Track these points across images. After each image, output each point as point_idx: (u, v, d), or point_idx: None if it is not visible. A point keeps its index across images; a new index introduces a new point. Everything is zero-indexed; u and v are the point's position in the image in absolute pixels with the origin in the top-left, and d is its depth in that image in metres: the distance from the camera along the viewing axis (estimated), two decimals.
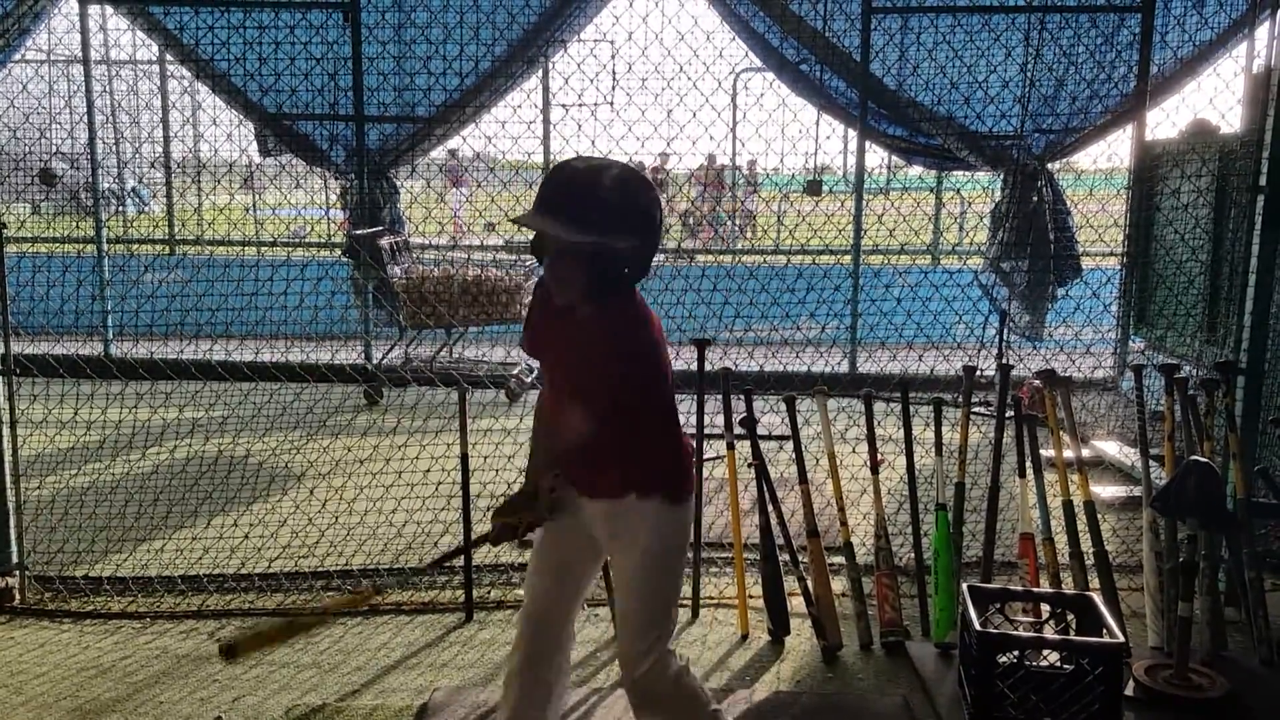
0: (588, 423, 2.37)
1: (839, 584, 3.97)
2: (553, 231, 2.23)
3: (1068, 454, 3.88)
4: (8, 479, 4.01)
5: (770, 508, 3.81)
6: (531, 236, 2.34)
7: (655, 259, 2.39)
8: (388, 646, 3.73)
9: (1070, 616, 3.26)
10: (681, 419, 2.57)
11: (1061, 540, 3.80)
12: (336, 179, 7.90)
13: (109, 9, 8.24)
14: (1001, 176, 7.35)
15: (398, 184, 7.88)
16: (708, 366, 4.06)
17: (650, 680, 2.45)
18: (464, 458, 3.98)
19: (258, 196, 11.52)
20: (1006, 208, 7.15)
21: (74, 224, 10.74)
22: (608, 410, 2.33)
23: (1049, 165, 7.19)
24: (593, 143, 6.66)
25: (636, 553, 2.44)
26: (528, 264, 7.95)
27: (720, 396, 3.98)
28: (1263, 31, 6.90)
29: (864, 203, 7.78)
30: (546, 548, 2.60)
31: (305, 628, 2.88)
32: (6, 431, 3.98)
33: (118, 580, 4.24)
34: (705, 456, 4.13)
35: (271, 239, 10.88)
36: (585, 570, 2.64)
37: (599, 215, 2.21)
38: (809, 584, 3.77)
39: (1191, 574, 3.29)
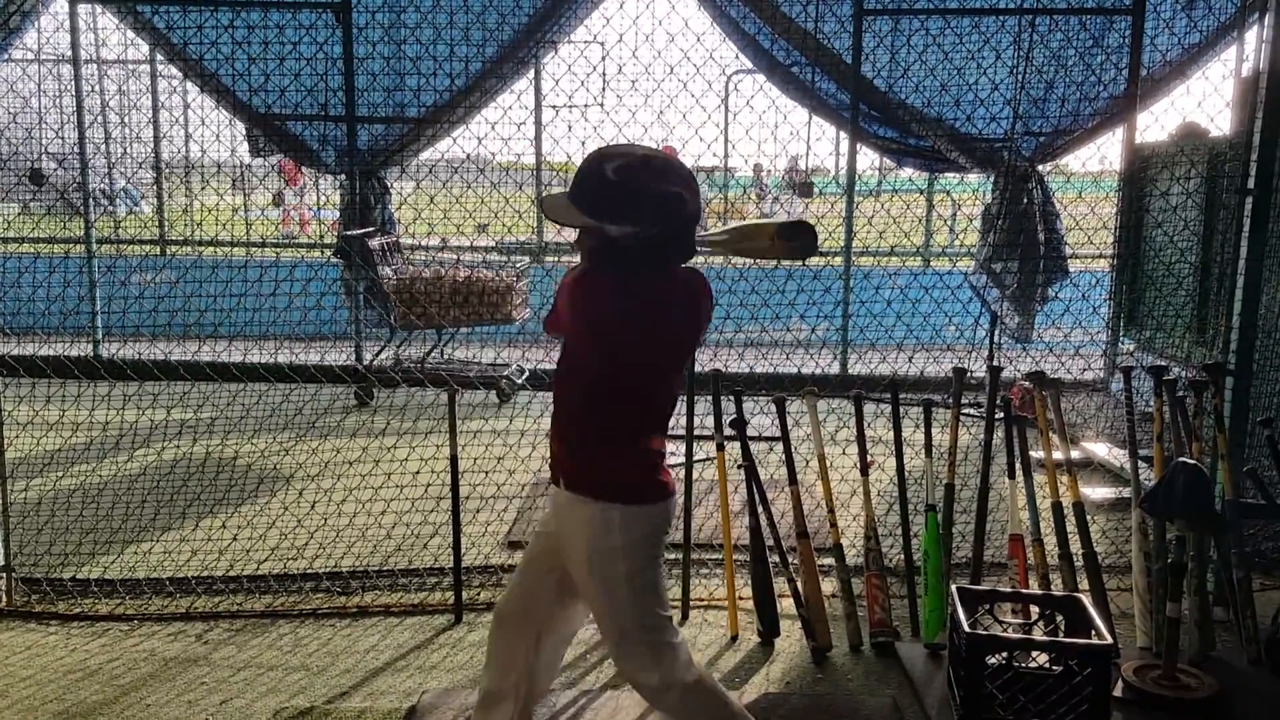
0: (573, 400, 2.38)
1: (829, 585, 3.97)
2: (557, 215, 2.31)
3: (1057, 455, 3.89)
4: None
5: (760, 509, 3.81)
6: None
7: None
8: (376, 649, 3.72)
9: (1059, 617, 3.27)
10: (671, 420, 2.54)
11: (1051, 541, 3.80)
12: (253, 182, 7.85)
13: (98, 8, 8.22)
14: (991, 179, 7.37)
15: (388, 184, 7.87)
16: (698, 368, 4.06)
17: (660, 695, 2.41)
18: (453, 459, 3.97)
19: (247, 197, 11.49)
20: (997, 210, 7.17)
21: (62, 224, 10.69)
22: (586, 386, 2.34)
23: (1039, 167, 7.21)
24: (583, 144, 6.66)
25: (583, 556, 2.37)
26: (518, 265, 7.95)
27: (710, 398, 3.98)
28: (1251, 35, 6.94)
29: (854, 204, 7.79)
30: (532, 542, 2.58)
31: None
32: None
33: (105, 582, 4.22)
34: (695, 458, 4.12)
35: (261, 240, 10.86)
36: (558, 570, 2.48)
37: (594, 199, 2.27)
38: (799, 585, 3.77)
39: (1180, 574, 3.30)
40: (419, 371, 7.35)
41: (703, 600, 4.11)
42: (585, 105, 7.10)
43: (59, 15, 8.31)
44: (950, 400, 3.96)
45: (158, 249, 10.37)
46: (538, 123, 9.10)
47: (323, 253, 9.13)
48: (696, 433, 4.02)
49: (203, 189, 9.38)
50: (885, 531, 4.29)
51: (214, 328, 6.52)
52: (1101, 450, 6.02)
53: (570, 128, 7.06)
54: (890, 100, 7.39)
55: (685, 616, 3.97)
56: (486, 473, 4.85)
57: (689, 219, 2.32)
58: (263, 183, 10.64)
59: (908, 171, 9.30)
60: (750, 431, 3.90)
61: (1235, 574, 3.67)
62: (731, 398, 3.99)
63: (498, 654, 2.57)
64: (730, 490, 3.98)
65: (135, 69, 10.49)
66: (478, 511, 4.83)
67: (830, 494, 3.88)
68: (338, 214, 7.96)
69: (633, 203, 2.26)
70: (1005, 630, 3.26)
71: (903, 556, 3.95)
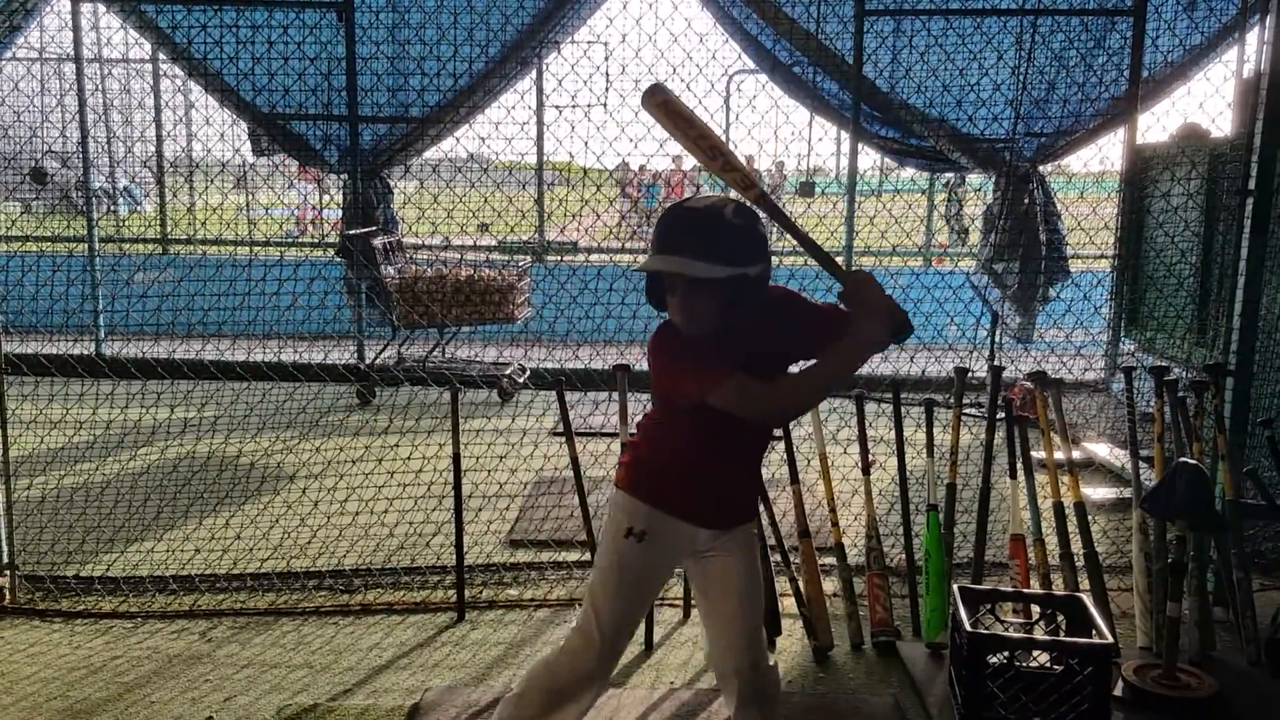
0: (750, 438, 2.47)
1: (830, 584, 3.98)
2: (687, 271, 2.22)
3: (1058, 455, 3.90)
4: None
5: (762, 508, 3.81)
6: (645, 283, 2.37)
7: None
8: (379, 647, 3.73)
9: (1060, 617, 3.27)
10: None
11: (1052, 541, 3.81)
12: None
13: (101, 7, 8.22)
14: (993, 179, 7.38)
15: (391, 184, 7.88)
16: None
17: (770, 673, 2.58)
18: (456, 458, 3.99)
19: (251, 196, 11.51)
20: (998, 210, 7.18)
21: (66, 223, 10.72)
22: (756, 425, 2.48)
23: (1040, 168, 7.22)
24: (585, 144, 6.67)
25: (744, 562, 2.53)
26: (521, 264, 7.96)
27: None
28: (1253, 36, 6.95)
29: (856, 204, 7.80)
30: (637, 570, 2.52)
31: None
32: None
33: (109, 580, 4.23)
34: None
35: (264, 239, 10.88)
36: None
37: (729, 248, 2.24)
38: (800, 584, 3.78)
39: (1180, 575, 3.31)
40: (421, 370, 7.36)
41: None
42: (589, 105, 7.13)
43: (62, 14, 8.33)
44: (952, 400, 3.97)
45: (160, 247, 10.39)
46: (540, 122, 9.13)
47: (325, 252, 9.15)
48: None
49: (206, 188, 9.39)
50: (887, 531, 4.30)
51: (218, 326, 6.53)
52: (1103, 450, 6.03)
53: (573, 127, 7.07)
54: (892, 101, 7.40)
55: (687, 616, 3.98)
56: (489, 471, 4.86)
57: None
58: (266, 182, 10.65)
59: (909, 171, 9.32)
60: None
61: (1235, 574, 3.68)
62: None
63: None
64: None
65: (139, 68, 10.50)
66: (480, 510, 4.84)
67: (832, 493, 3.89)
68: (340, 213, 7.98)
69: (757, 241, 2.31)
70: (1007, 630, 3.27)
71: (904, 556, 3.96)
